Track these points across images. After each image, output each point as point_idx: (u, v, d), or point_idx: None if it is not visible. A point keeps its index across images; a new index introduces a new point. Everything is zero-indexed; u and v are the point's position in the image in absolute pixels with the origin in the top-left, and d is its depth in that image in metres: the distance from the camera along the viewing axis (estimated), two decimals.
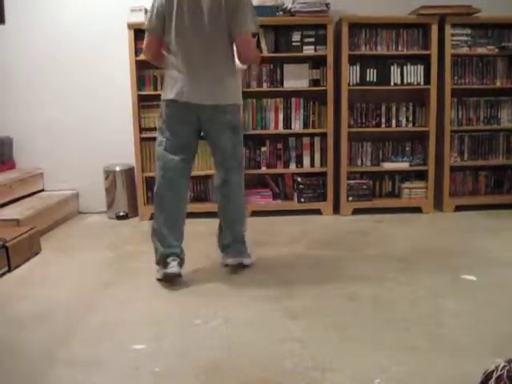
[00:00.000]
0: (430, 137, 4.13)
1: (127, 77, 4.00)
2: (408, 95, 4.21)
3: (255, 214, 4.12)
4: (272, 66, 4.06)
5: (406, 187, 4.25)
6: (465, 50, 4.08)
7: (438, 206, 4.24)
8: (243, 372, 1.81)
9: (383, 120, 4.20)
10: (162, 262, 2.69)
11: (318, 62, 4.09)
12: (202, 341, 2.05)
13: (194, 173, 4.17)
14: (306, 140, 4.20)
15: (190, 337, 2.09)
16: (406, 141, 4.27)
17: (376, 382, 1.72)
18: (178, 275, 2.67)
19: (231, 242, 2.87)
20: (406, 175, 4.33)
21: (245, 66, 2.85)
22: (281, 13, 4.05)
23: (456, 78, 4.12)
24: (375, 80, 4.11)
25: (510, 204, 4.18)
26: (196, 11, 2.59)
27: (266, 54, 3.93)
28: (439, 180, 4.21)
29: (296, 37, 4.02)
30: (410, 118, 4.21)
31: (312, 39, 4.03)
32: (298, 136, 4.21)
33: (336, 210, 4.23)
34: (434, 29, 3.98)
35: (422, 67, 4.09)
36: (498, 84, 4.16)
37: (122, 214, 4.23)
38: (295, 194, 4.26)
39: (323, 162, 4.19)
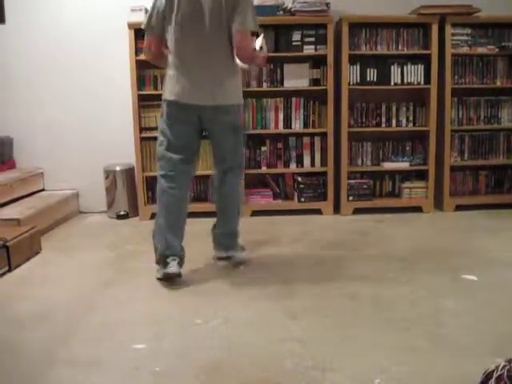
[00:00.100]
0: (431, 136, 4.13)
1: (127, 76, 4.00)
2: (408, 95, 4.21)
3: (255, 213, 4.13)
4: (272, 66, 4.05)
5: (407, 187, 4.25)
6: (465, 50, 4.08)
7: (439, 205, 4.24)
8: (243, 372, 1.81)
9: (383, 120, 4.20)
10: (162, 261, 2.69)
11: (318, 62, 4.09)
12: (202, 340, 2.05)
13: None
14: (306, 140, 4.20)
15: (190, 336, 2.10)
16: (406, 140, 4.26)
17: (376, 381, 1.72)
18: (178, 275, 2.67)
19: (224, 235, 2.93)
20: (406, 175, 4.33)
21: (246, 66, 2.83)
22: (281, 12, 4.05)
23: (456, 77, 4.12)
24: (375, 80, 4.11)
25: (510, 204, 4.18)
26: (197, 11, 2.59)
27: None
28: (439, 180, 4.21)
29: (296, 36, 4.02)
30: (411, 118, 4.21)
31: (312, 39, 4.03)
32: (299, 136, 4.21)
33: (336, 209, 4.23)
34: (435, 28, 3.98)
35: (423, 67, 4.09)
36: (499, 84, 4.16)
37: (122, 213, 4.24)
38: (295, 194, 4.26)
39: (323, 162, 4.19)
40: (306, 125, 4.17)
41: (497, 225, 3.75)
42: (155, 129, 4.10)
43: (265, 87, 4.10)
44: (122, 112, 4.17)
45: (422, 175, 4.27)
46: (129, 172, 4.27)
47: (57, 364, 1.91)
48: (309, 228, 3.79)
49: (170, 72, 2.70)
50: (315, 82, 4.11)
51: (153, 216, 4.13)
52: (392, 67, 4.10)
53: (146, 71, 4.08)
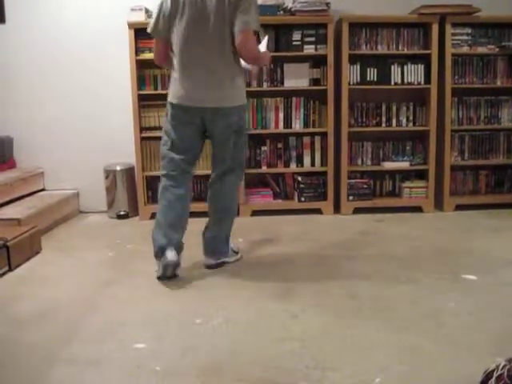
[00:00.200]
0: (431, 136, 4.13)
1: (127, 76, 4.00)
2: (408, 94, 4.21)
3: (255, 213, 4.13)
4: (272, 66, 4.05)
5: (407, 186, 4.25)
6: (465, 50, 4.08)
7: (439, 205, 4.24)
8: (243, 371, 1.81)
9: (384, 119, 4.20)
10: (160, 253, 2.70)
11: (318, 62, 4.09)
12: (202, 340, 2.05)
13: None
14: (306, 139, 4.20)
15: (190, 336, 2.10)
16: (406, 140, 4.27)
17: (376, 381, 1.72)
18: (176, 263, 2.69)
19: (216, 240, 2.91)
20: (406, 174, 4.33)
21: (249, 66, 2.84)
22: (281, 12, 4.05)
23: (456, 77, 4.12)
24: (376, 79, 4.11)
25: (510, 203, 4.18)
26: (201, 13, 2.60)
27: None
28: (440, 179, 4.21)
29: (296, 36, 4.02)
30: (411, 118, 4.21)
31: (312, 38, 4.03)
32: (299, 135, 4.21)
33: (336, 209, 4.23)
34: (435, 28, 3.98)
35: (423, 66, 4.09)
36: (499, 83, 4.16)
37: (122, 213, 4.24)
38: (296, 194, 4.26)
39: (324, 162, 4.19)
40: (306, 124, 4.17)
41: (497, 225, 3.75)
42: (155, 128, 4.12)
43: (265, 87, 4.10)
44: (122, 112, 4.17)
45: (422, 175, 4.27)
46: (129, 172, 4.27)
47: (57, 363, 1.91)
48: (309, 228, 3.80)
49: (175, 75, 2.72)
50: (315, 81, 4.12)
51: (153, 216, 4.13)
52: (392, 67, 4.10)
53: (146, 71, 4.08)
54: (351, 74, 4.08)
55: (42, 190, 4.41)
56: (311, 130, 4.17)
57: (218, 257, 2.92)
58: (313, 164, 4.21)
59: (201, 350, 1.97)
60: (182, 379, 1.78)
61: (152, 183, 4.29)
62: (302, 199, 4.20)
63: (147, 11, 4.00)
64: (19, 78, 4.30)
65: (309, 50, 4.04)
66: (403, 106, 4.19)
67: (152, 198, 4.30)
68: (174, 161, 2.78)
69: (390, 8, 4.11)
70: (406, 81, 4.12)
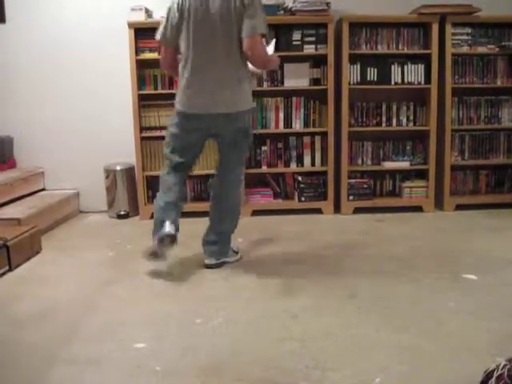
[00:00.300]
0: (431, 136, 4.13)
1: (127, 76, 4.00)
2: (409, 94, 4.21)
3: (256, 213, 4.13)
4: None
5: (407, 186, 4.25)
6: (465, 49, 4.08)
7: (439, 205, 4.24)
8: (243, 371, 1.81)
9: (384, 119, 4.20)
10: (159, 224, 2.75)
11: (318, 61, 4.09)
12: (202, 340, 2.05)
13: (194, 172, 4.17)
14: (306, 139, 4.20)
15: (190, 336, 2.10)
16: (406, 140, 4.26)
17: (376, 381, 1.72)
18: (173, 237, 2.72)
19: (214, 241, 2.91)
20: (406, 174, 4.33)
21: (255, 70, 2.86)
22: (281, 12, 4.05)
23: (456, 77, 4.12)
24: (376, 79, 4.11)
25: (510, 203, 4.18)
26: (207, 20, 2.62)
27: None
28: (440, 179, 4.21)
29: (296, 36, 4.02)
30: (411, 117, 4.21)
31: (312, 38, 4.03)
32: (299, 135, 4.21)
33: (337, 209, 4.23)
34: (435, 28, 3.98)
35: (423, 66, 4.09)
36: (499, 83, 4.16)
37: (122, 213, 4.24)
38: (296, 193, 4.26)
39: (324, 161, 4.19)
40: (306, 124, 4.17)
41: (497, 224, 3.74)
42: (155, 128, 4.13)
43: (265, 87, 4.10)
44: (122, 111, 4.17)
45: (422, 175, 4.27)
46: (129, 171, 4.27)
47: (57, 363, 1.91)
48: (309, 227, 3.80)
49: (181, 82, 2.75)
50: (315, 81, 4.12)
51: (153, 215, 4.14)
52: (392, 67, 4.10)
53: (146, 71, 4.08)
54: (351, 73, 4.08)
55: (43, 189, 4.41)
56: (311, 129, 4.17)
57: (218, 257, 2.92)
58: (313, 164, 4.21)
59: (201, 350, 1.97)
60: (182, 379, 1.79)
61: (152, 183, 4.29)
62: (302, 199, 4.20)
63: (147, 11, 4.00)
64: (19, 78, 4.30)
65: (309, 49, 4.04)
66: (403, 106, 4.19)
67: (152, 198, 4.30)
68: (174, 162, 2.85)
69: (390, 8, 4.10)
70: (406, 80, 4.12)
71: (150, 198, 4.27)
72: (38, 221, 3.52)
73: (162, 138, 4.13)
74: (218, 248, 2.92)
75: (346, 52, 4.00)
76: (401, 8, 4.09)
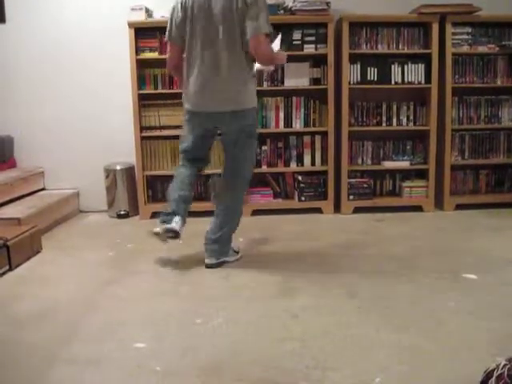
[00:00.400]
0: (431, 136, 4.13)
1: (127, 76, 4.00)
2: (409, 94, 4.21)
3: (256, 212, 4.13)
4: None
5: (407, 186, 4.24)
6: (465, 49, 4.08)
7: (439, 204, 4.24)
8: (244, 371, 1.81)
9: (384, 119, 4.20)
10: (169, 211, 2.88)
11: (318, 61, 4.09)
12: (202, 340, 2.05)
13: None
14: (306, 139, 4.20)
15: (190, 336, 2.10)
16: (406, 139, 4.26)
17: (376, 381, 1.72)
18: (177, 233, 2.84)
19: (215, 240, 2.91)
20: (406, 174, 4.33)
21: (264, 67, 2.89)
22: (281, 11, 4.04)
23: (457, 76, 4.12)
24: (376, 79, 4.11)
25: (510, 203, 4.18)
26: (208, 21, 2.66)
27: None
28: (440, 179, 4.21)
29: (297, 35, 4.02)
30: (411, 117, 4.21)
31: (313, 38, 4.03)
32: (299, 135, 4.21)
33: (337, 208, 4.23)
34: (435, 27, 3.98)
35: (423, 66, 4.09)
36: (499, 83, 4.15)
37: (122, 212, 4.24)
38: (296, 193, 4.26)
39: (324, 161, 4.19)
40: (306, 124, 4.17)
41: (497, 224, 3.74)
42: (155, 128, 4.13)
43: (265, 86, 4.09)
44: (122, 111, 4.17)
45: (422, 174, 4.27)
46: (129, 171, 4.27)
47: (57, 363, 1.91)
48: (309, 227, 3.80)
49: (187, 80, 2.80)
50: (316, 81, 4.12)
51: (153, 215, 4.16)
52: (392, 66, 4.10)
53: (147, 70, 4.08)
54: (351, 73, 4.08)
55: (43, 189, 4.41)
56: (311, 129, 4.17)
57: (219, 256, 2.92)
58: (313, 163, 4.21)
59: (201, 350, 1.97)
60: (182, 379, 1.79)
61: (152, 182, 4.30)
62: (303, 198, 4.20)
63: (147, 10, 4.00)
64: (19, 78, 4.30)
65: (309, 49, 4.04)
66: (403, 106, 4.19)
67: (152, 198, 4.31)
68: (186, 158, 2.97)
69: (391, 7, 4.10)
70: (406, 80, 4.12)
71: (150, 198, 4.28)
72: (38, 220, 3.52)
73: (162, 137, 4.16)
74: (219, 248, 2.92)
75: (346, 52, 4.00)
76: (401, 8, 4.09)
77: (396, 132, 4.25)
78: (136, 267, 2.97)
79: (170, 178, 4.21)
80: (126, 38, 3.95)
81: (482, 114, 4.20)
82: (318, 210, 4.18)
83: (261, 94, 4.10)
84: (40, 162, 4.39)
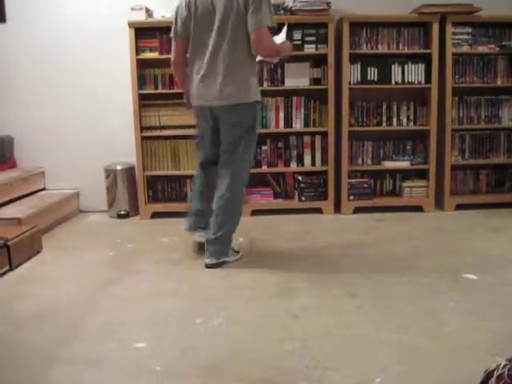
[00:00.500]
0: (431, 136, 4.13)
1: (128, 76, 4.00)
2: (409, 94, 4.21)
3: (256, 212, 4.13)
4: (273, 66, 4.05)
5: (407, 186, 4.24)
6: (466, 49, 4.08)
7: (439, 204, 4.24)
8: (244, 371, 1.81)
9: (384, 119, 4.20)
10: (191, 216, 3.12)
11: (318, 61, 4.09)
12: (202, 340, 2.05)
13: (195, 172, 4.19)
14: (306, 139, 4.20)
15: (190, 336, 2.10)
16: (406, 140, 4.26)
17: (376, 381, 1.72)
18: (201, 242, 3.03)
19: (215, 240, 2.91)
20: (406, 174, 4.32)
21: (269, 59, 2.95)
22: (282, 11, 4.04)
23: (457, 76, 4.12)
24: (376, 79, 4.11)
25: (510, 203, 4.18)
26: (210, 16, 2.72)
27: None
28: (440, 179, 4.21)
29: (297, 35, 4.02)
30: (411, 117, 4.21)
31: (313, 38, 4.03)
32: (299, 135, 4.20)
33: (337, 208, 4.23)
34: (435, 27, 3.98)
35: (423, 66, 4.09)
36: (499, 83, 4.15)
37: (122, 212, 4.24)
38: (296, 193, 4.26)
39: (324, 161, 4.19)
40: (306, 124, 4.17)
41: (497, 224, 3.74)
42: (156, 128, 4.14)
43: (265, 86, 4.09)
44: (122, 111, 4.17)
45: (422, 174, 4.27)
46: (129, 171, 4.27)
47: (57, 363, 1.91)
48: (309, 227, 3.80)
49: (190, 76, 2.88)
50: (316, 81, 4.11)
51: (153, 215, 4.16)
52: (393, 66, 4.10)
53: (147, 70, 4.08)
54: (352, 73, 4.08)
55: (43, 189, 4.41)
56: (312, 129, 4.17)
57: (219, 257, 2.92)
58: (313, 163, 4.21)
59: (201, 350, 1.97)
60: (182, 379, 1.79)
61: (152, 183, 4.30)
62: (303, 199, 4.20)
63: (147, 10, 4.00)
64: (19, 78, 4.30)
65: (309, 49, 4.04)
66: (404, 106, 4.19)
67: (152, 198, 4.31)
68: (200, 156, 3.09)
69: (391, 7, 4.10)
70: (406, 80, 4.12)
71: (151, 198, 4.28)
72: (39, 220, 3.53)
73: (163, 137, 4.16)
74: (219, 248, 2.92)
75: (346, 52, 4.00)
76: (401, 8, 4.09)
77: (396, 132, 4.25)
78: (136, 267, 2.98)
79: (170, 178, 4.27)
80: (126, 38, 3.95)
81: (482, 114, 4.20)
82: (319, 210, 4.18)
83: (261, 94, 4.10)
84: (40, 162, 4.39)
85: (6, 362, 1.94)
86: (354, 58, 4.05)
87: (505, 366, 1.48)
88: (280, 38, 2.91)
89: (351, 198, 4.20)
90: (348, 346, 1.98)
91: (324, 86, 4.07)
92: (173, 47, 2.95)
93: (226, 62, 2.73)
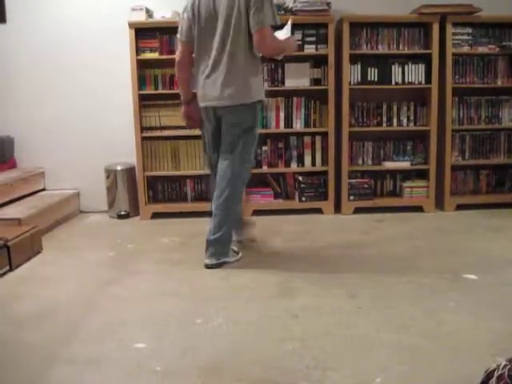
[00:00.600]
0: (431, 136, 4.13)
1: (128, 76, 4.00)
2: (409, 94, 4.21)
3: (256, 213, 4.12)
4: (273, 65, 4.05)
5: (407, 186, 4.24)
6: (466, 49, 4.08)
7: (439, 205, 4.23)
8: (244, 371, 1.81)
9: (384, 119, 4.20)
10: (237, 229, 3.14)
11: (319, 61, 4.09)
12: (202, 340, 2.05)
13: (195, 172, 4.20)
14: (307, 139, 4.20)
15: (190, 336, 2.09)
16: (407, 140, 4.26)
17: (376, 381, 1.72)
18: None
19: (215, 241, 2.91)
20: (407, 174, 4.32)
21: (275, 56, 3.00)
22: (282, 12, 4.04)
23: (457, 77, 4.12)
24: (376, 79, 4.11)
25: (511, 203, 4.18)
26: (212, 18, 2.75)
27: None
28: (440, 179, 4.21)
29: (297, 36, 4.00)
30: (411, 117, 4.21)
31: (313, 38, 4.03)
32: (299, 135, 4.21)
33: (337, 209, 4.23)
34: (435, 28, 3.98)
35: (423, 66, 4.09)
36: (499, 83, 4.16)
37: (122, 213, 4.24)
38: (296, 193, 4.26)
39: (324, 161, 4.19)
40: (306, 124, 4.17)
41: (498, 224, 3.74)
42: (156, 128, 4.14)
43: (266, 86, 4.08)
44: (122, 111, 4.17)
45: (422, 175, 4.27)
46: (129, 172, 4.27)
47: (57, 363, 1.91)
48: (309, 227, 3.80)
49: (197, 77, 2.91)
50: (316, 81, 4.12)
51: (153, 216, 4.15)
52: (393, 67, 4.10)
53: (147, 71, 4.08)
54: (352, 73, 4.08)
55: (43, 189, 4.41)
56: (312, 129, 4.17)
57: (218, 257, 2.92)
58: (313, 164, 4.21)
59: (201, 350, 1.97)
60: (183, 379, 1.78)
61: (153, 183, 4.30)
62: (303, 199, 4.20)
63: (148, 11, 4.00)
64: (19, 78, 4.30)
65: (309, 49, 4.04)
66: (404, 106, 4.19)
67: (153, 198, 4.31)
68: (207, 158, 3.12)
69: (391, 8, 4.10)
70: (406, 80, 4.12)
71: (151, 198, 4.28)
72: (39, 221, 3.52)
73: (163, 138, 4.16)
74: (219, 248, 2.91)
75: (346, 52, 4.00)
76: (401, 8, 4.09)
77: (396, 132, 4.25)
78: (136, 267, 2.97)
79: (170, 178, 4.27)
80: (126, 38, 3.95)
81: (482, 114, 4.20)
82: (319, 211, 4.17)
83: None
84: (40, 163, 4.40)
85: (5, 362, 1.94)
86: (354, 59, 4.05)
87: (505, 366, 1.48)
88: (284, 34, 2.90)
89: (351, 198, 4.20)
90: (348, 345, 1.98)
91: (324, 87, 4.07)
92: (178, 48, 2.97)
93: (228, 63, 2.75)
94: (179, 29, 2.92)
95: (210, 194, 3.22)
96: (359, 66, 4.08)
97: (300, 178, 4.20)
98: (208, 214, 3.04)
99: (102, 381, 1.80)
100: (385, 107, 4.18)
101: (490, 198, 4.28)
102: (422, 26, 4.08)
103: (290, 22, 2.99)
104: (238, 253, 3.05)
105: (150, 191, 4.27)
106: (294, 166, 4.23)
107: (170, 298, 2.51)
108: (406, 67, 4.10)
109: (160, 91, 4.10)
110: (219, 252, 2.92)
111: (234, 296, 2.50)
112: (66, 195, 4.26)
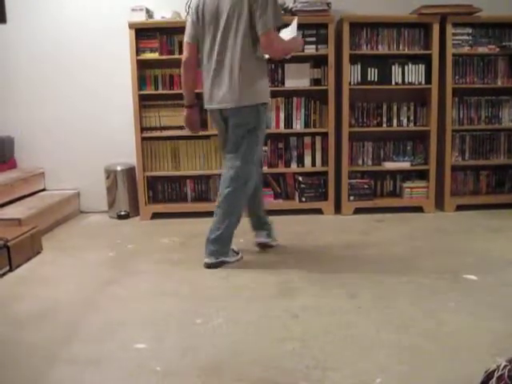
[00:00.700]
0: (431, 136, 4.13)
1: (128, 76, 4.00)
2: (409, 95, 4.21)
3: None
4: (273, 66, 4.05)
5: (407, 187, 4.24)
6: (466, 50, 4.08)
7: (439, 205, 4.23)
8: (244, 371, 1.81)
9: (384, 119, 4.20)
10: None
11: (319, 62, 4.09)
12: (202, 340, 2.05)
13: (195, 172, 4.20)
14: (307, 139, 4.20)
15: (190, 336, 2.09)
16: (407, 140, 4.26)
17: (376, 381, 1.71)
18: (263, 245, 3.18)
19: (215, 240, 2.91)
20: (407, 175, 4.33)
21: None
22: (282, 12, 4.04)
23: (457, 77, 4.12)
24: (376, 79, 4.11)
25: (511, 203, 4.18)
26: (216, 20, 2.76)
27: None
28: (440, 179, 4.20)
29: (297, 36, 4.01)
30: (412, 118, 4.21)
31: (313, 38, 4.03)
32: (300, 135, 4.21)
33: (337, 209, 4.23)
34: (435, 28, 3.98)
35: (423, 67, 4.09)
36: (499, 83, 4.16)
37: (123, 213, 4.24)
38: (296, 194, 4.26)
39: (324, 162, 4.19)
40: (306, 124, 4.17)
41: (498, 225, 3.74)
42: (156, 128, 4.14)
43: None
44: (122, 112, 4.18)
45: (422, 175, 4.27)
46: (130, 172, 4.27)
47: (57, 363, 1.91)
48: (309, 228, 3.80)
49: (203, 79, 2.93)
50: (316, 81, 4.12)
51: (153, 216, 4.15)
52: (393, 67, 4.10)
53: (147, 71, 4.08)
54: (352, 74, 4.08)
55: (43, 190, 4.41)
56: (312, 130, 4.17)
57: (218, 256, 2.92)
58: (313, 164, 4.21)
59: (201, 350, 1.97)
60: (183, 379, 1.78)
61: (153, 183, 4.30)
62: (303, 199, 4.20)
63: (148, 11, 4.00)
64: (19, 78, 4.30)
65: (309, 50, 4.04)
66: (404, 106, 4.19)
67: (153, 198, 4.31)
68: (223, 157, 3.11)
69: (391, 8, 4.11)
70: (406, 81, 4.12)
71: (151, 199, 4.28)
72: (39, 221, 3.53)
73: (163, 138, 4.16)
74: (218, 247, 2.91)
75: (346, 52, 4.00)
76: (401, 8, 4.09)
77: (396, 133, 4.25)
78: (136, 267, 2.97)
79: (170, 178, 4.27)
80: (126, 39, 3.95)
81: (482, 114, 4.20)
82: (319, 211, 4.17)
83: None
84: (40, 163, 4.40)
85: (5, 362, 1.94)
86: (354, 59, 4.05)
87: (505, 366, 1.48)
88: (289, 33, 2.91)
89: (351, 198, 4.20)
90: (348, 346, 1.98)
91: (324, 87, 4.07)
92: (184, 49, 2.97)
93: (231, 66, 2.76)
94: (186, 31, 2.94)
95: (214, 194, 3.24)
96: (359, 67, 4.08)
97: (300, 179, 4.20)
98: (211, 214, 3.04)
99: (101, 381, 1.80)
100: (385, 107, 4.18)
101: (490, 198, 4.28)
102: (422, 27, 4.08)
103: (295, 22, 3.00)
104: (238, 253, 3.05)
105: (150, 191, 4.27)
106: (294, 167, 4.24)
107: (169, 298, 2.51)
108: (406, 67, 4.10)
109: (160, 91, 4.10)
110: (219, 251, 2.91)
111: (234, 296, 2.50)
112: (66, 195, 4.26)
